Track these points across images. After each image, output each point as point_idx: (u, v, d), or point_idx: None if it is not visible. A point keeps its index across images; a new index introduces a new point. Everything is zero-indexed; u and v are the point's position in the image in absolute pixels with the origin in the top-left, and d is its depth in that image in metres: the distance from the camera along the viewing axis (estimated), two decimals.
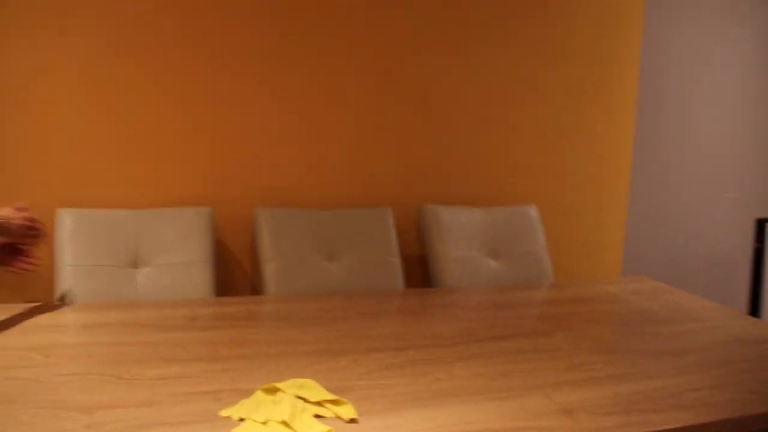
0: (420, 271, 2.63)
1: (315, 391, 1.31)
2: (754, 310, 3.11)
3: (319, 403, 1.26)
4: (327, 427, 1.18)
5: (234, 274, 2.47)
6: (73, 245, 2.10)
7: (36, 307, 1.81)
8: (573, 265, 2.87)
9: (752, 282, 3.12)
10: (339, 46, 2.45)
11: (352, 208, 2.47)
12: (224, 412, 1.22)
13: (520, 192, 2.78)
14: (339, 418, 1.22)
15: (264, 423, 1.17)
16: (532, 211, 2.66)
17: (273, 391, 1.31)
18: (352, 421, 1.21)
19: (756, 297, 3.12)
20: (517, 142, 2.77)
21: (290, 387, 1.31)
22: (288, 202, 2.44)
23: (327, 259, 2.34)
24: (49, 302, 1.93)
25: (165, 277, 2.15)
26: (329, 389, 1.32)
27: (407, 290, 2.40)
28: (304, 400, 1.27)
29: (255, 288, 2.48)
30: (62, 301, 1.95)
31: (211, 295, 2.18)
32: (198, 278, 2.17)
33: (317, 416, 1.22)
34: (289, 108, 2.43)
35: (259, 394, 1.29)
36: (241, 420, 1.19)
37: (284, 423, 1.17)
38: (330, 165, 2.52)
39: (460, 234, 2.50)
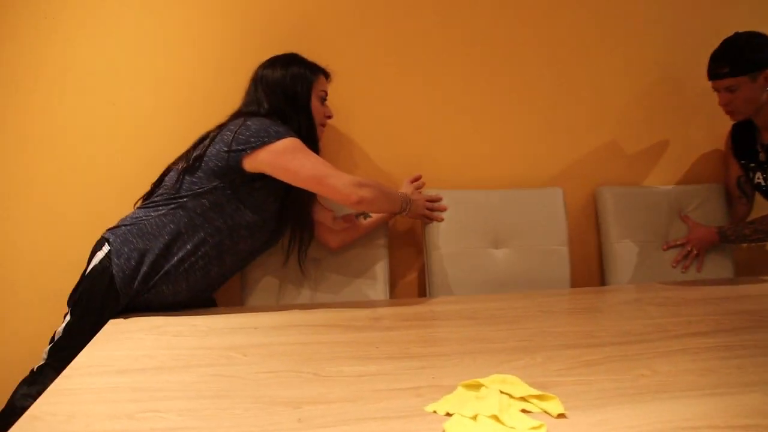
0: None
1: (518, 386, 1.30)
2: None
3: (523, 399, 1.26)
4: (539, 422, 1.17)
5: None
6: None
7: (225, 311, 1.94)
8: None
9: None
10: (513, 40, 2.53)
11: (521, 188, 2.50)
12: (430, 407, 1.23)
13: None
14: (546, 413, 1.21)
15: (473, 418, 1.18)
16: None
17: (476, 386, 1.31)
18: (561, 416, 1.20)
19: None
20: None
21: (493, 382, 1.31)
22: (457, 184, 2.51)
23: (492, 246, 2.38)
24: (235, 306, 2.06)
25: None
26: (530, 385, 1.31)
27: (587, 288, 2.36)
28: (509, 395, 1.26)
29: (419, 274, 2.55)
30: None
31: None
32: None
33: (523, 411, 1.21)
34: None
35: (462, 390, 1.30)
36: (448, 415, 1.20)
37: (494, 417, 1.17)
38: (498, 146, 2.56)
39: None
